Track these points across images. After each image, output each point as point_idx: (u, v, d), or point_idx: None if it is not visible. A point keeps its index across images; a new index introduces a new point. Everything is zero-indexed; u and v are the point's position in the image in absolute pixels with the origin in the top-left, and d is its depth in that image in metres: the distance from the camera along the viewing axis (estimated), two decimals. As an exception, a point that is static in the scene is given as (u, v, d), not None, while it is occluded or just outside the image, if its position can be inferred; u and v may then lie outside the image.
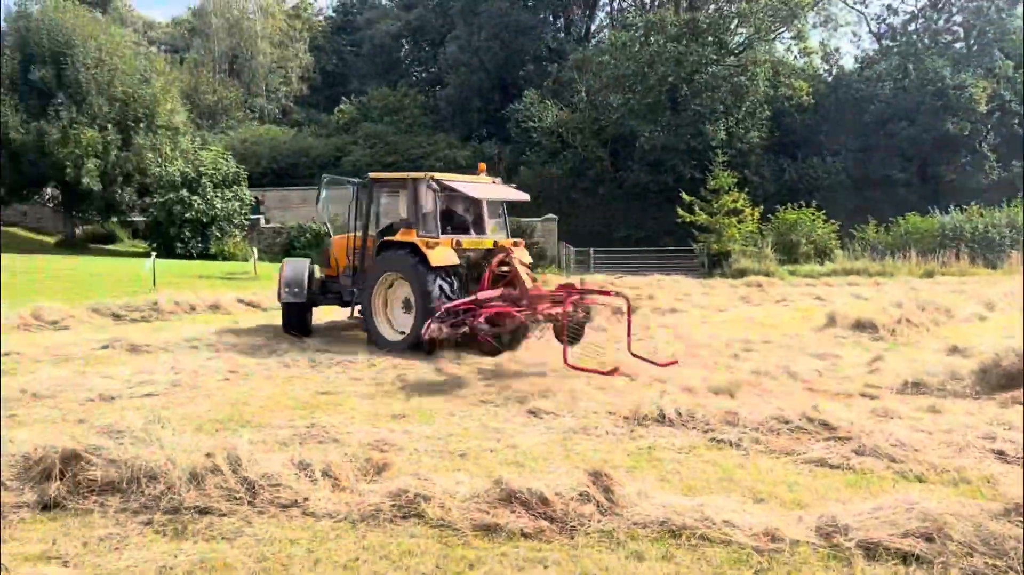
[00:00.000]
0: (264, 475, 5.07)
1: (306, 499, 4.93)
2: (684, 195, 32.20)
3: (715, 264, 31.52)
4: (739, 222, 31.59)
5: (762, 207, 32.72)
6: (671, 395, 7.78)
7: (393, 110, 47.99)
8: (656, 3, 45.29)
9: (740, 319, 15.30)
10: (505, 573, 4.04)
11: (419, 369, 9.51)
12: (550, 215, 35.51)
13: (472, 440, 6.56)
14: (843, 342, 11.84)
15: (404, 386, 8.65)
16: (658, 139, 37.12)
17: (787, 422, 6.88)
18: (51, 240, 34.88)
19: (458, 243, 10.99)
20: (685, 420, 7.12)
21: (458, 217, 11.93)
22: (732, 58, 40.24)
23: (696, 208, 31.91)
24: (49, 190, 34.78)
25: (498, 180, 12.65)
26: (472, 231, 11.92)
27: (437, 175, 11.36)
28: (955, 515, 4.20)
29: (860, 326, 12.63)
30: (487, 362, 10.03)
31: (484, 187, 11.96)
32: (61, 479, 5.06)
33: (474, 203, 12.02)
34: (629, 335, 9.72)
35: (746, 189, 33.32)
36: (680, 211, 32.30)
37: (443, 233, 11.02)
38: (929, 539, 4.11)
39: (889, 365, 9.66)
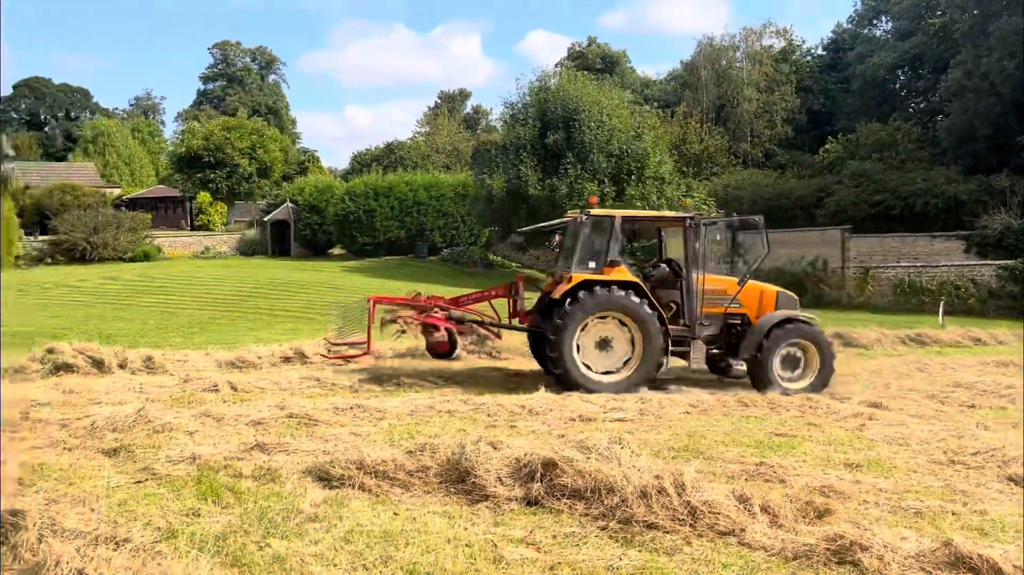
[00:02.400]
0: (706, 502, 5.45)
1: (743, 530, 5.20)
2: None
3: None
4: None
5: None
6: None
7: (884, 145, 45.18)
8: None
9: None
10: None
11: (881, 418, 9.05)
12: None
13: (932, 500, 6.13)
14: None
15: (863, 435, 8.33)
16: None
17: None
18: (557, 280, 40.02)
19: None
20: None
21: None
22: None
23: None
24: (557, 237, 39.91)
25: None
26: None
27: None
28: None
29: None
30: (959, 418, 9.15)
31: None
32: (541, 482, 6.07)
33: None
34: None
35: None
36: None
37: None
38: None
39: None
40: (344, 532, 5.36)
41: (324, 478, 6.56)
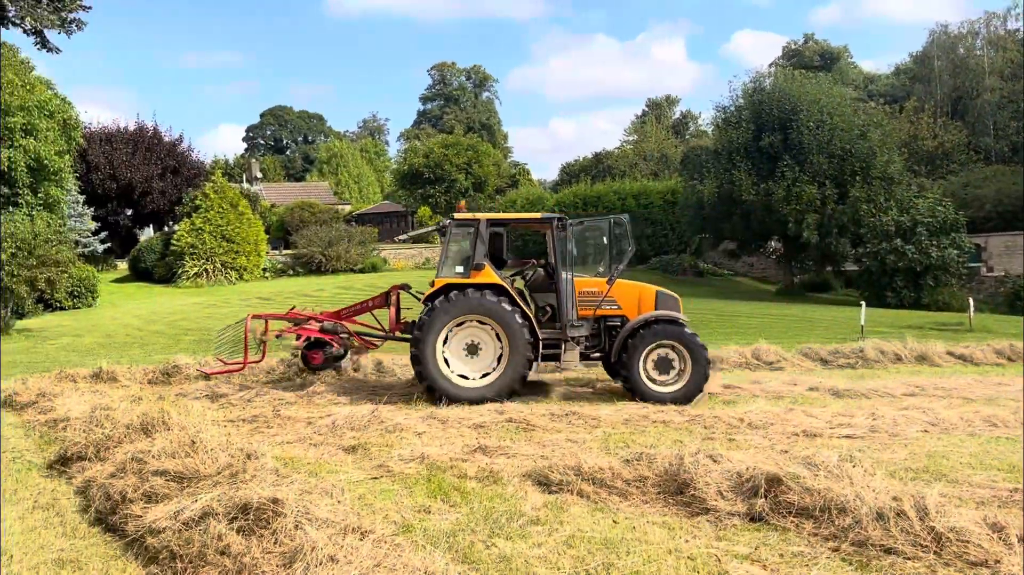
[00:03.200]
0: (952, 529, 5.03)
1: (997, 561, 4.74)
2: None
3: None
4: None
5: None
6: None
7: None
8: None
9: None
10: None
11: None
12: None
13: None
14: None
15: None
16: None
17: None
18: (772, 288, 38.36)
19: None
20: None
21: None
22: None
23: None
24: (772, 243, 38.35)
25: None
26: None
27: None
28: None
29: None
30: None
31: None
32: (765, 498, 5.86)
33: None
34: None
35: None
36: None
37: None
38: None
39: None
40: (565, 537, 5.47)
41: (543, 482, 6.74)
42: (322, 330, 11.74)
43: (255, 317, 11.92)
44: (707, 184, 34.68)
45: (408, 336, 11.38)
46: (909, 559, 4.89)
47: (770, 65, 64.37)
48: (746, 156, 33.78)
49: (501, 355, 10.76)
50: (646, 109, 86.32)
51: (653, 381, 10.70)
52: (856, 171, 32.60)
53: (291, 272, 41.25)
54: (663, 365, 10.73)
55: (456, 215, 11.38)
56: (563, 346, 10.99)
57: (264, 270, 39.65)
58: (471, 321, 10.77)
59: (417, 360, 10.69)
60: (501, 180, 66.23)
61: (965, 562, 4.80)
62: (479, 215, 11.18)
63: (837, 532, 5.28)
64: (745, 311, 25.24)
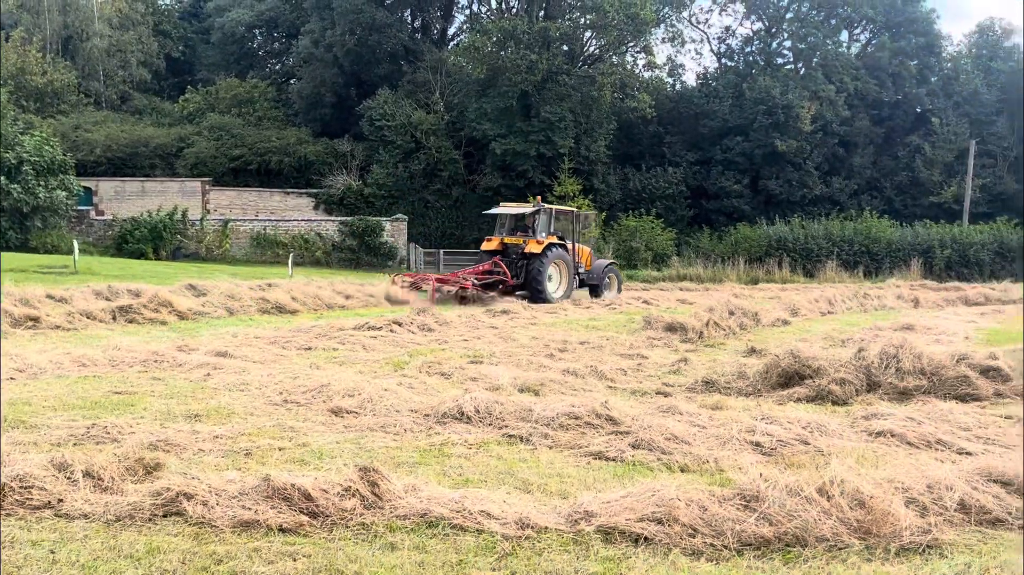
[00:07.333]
0: (17, 477, 4.84)
1: (60, 500, 4.75)
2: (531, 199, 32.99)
3: (560, 268, 32.43)
4: (583, 228, 32.64)
5: (605, 214, 33.94)
6: (476, 394, 7.96)
7: (242, 102, 46.45)
8: (512, 10, 45.93)
9: (565, 322, 15.82)
10: (254, 568, 4.04)
11: (226, 367, 9.31)
12: (400, 215, 35.39)
13: (263, 439, 6.49)
14: (655, 344, 12.48)
15: (207, 385, 8.45)
16: (509, 144, 37.77)
17: (577, 418, 7.20)
18: None
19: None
20: (483, 417, 7.31)
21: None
22: (585, 67, 41.48)
23: (542, 213, 32.74)
24: None
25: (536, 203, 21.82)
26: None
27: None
28: (685, 500, 4.56)
29: (672, 329, 13.36)
30: (300, 363, 9.98)
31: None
32: None
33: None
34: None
35: (590, 196, 34.45)
36: (527, 215, 33.04)
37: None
38: (660, 522, 4.44)
39: (691, 366, 10.31)
40: None
41: None
42: (473, 285, 19.69)
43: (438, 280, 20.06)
44: None
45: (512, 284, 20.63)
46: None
47: None
48: None
49: (561, 281, 21.05)
50: None
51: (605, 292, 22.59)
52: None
53: None
54: (606, 285, 22.71)
55: (544, 204, 21.30)
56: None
57: None
58: (555, 261, 20.64)
59: (538, 282, 19.99)
60: None
61: (27, 508, 4.66)
62: (550, 206, 21.59)
63: None
64: None
